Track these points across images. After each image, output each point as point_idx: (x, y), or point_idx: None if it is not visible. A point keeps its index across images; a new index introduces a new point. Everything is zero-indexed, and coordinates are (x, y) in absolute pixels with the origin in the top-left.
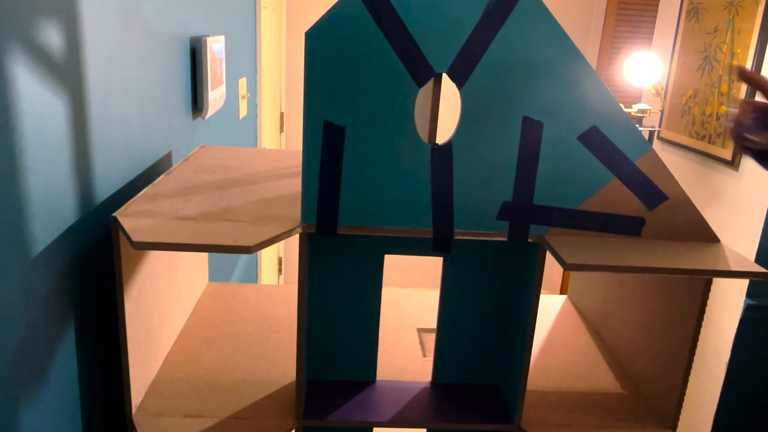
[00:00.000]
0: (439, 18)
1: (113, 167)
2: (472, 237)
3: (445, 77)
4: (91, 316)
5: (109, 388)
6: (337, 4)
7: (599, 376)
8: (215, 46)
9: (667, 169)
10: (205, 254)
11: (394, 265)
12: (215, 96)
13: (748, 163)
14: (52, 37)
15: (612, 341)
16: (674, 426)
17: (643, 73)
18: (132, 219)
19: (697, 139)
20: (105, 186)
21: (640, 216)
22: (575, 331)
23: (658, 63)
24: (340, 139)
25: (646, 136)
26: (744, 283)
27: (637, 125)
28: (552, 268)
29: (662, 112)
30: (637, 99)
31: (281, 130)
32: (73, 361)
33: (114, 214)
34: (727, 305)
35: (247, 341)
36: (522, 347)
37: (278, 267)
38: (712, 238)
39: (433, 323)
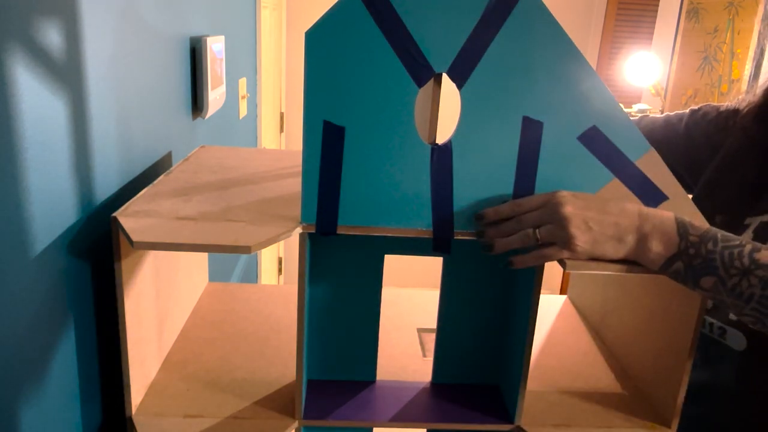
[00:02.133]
0: (439, 18)
1: (113, 167)
2: (472, 237)
3: (445, 77)
4: (91, 316)
5: (109, 388)
6: (337, 4)
7: (599, 376)
8: (215, 46)
9: (668, 169)
10: (205, 254)
11: (394, 265)
12: (215, 96)
13: None
14: (52, 37)
15: (612, 341)
16: (674, 426)
17: (643, 73)
18: (132, 219)
19: None
20: (105, 186)
21: None
22: (575, 331)
23: (658, 63)
24: (340, 139)
25: None
26: None
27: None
28: (552, 268)
29: (662, 112)
30: (637, 99)
31: (281, 130)
32: (72, 361)
33: (114, 214)
34: None
35: (247, 341)
36: (522, 347)
37: (278, 267)
38: None
39: (433, 323)
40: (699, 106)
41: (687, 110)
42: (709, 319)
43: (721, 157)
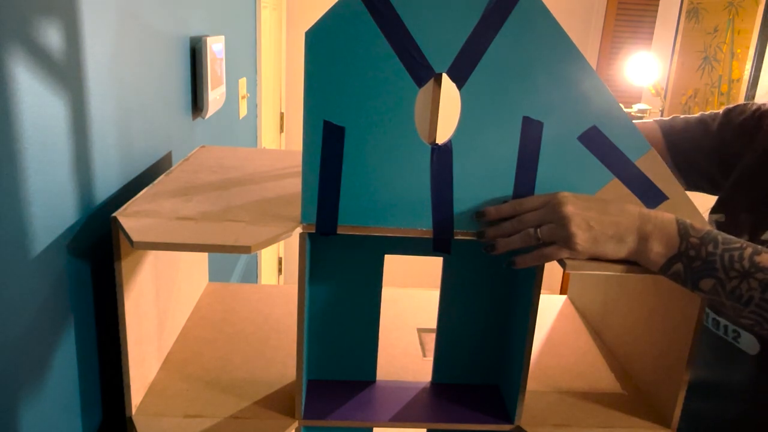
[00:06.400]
0: (439, 18)
1: (113, 167)
2: (473, 237)
3: (445, 77)
4: (91, 316)
5: (109, 388)
6: (337, 4)
7: (599, 376)
8: (215, 46)
9: (668, 169)
10: (205, 254)
11: (394, 265)
12: (215, 96)
13: None
14: (52, 37)
15: (612, 341)
16: (674, 426)
17: (643, 73)
18: (132, 219)
19: None
20: (105, 186)
21: None
22: (575, 331)
23: (658, 63)
24: (340, 139)
25: None
26: None
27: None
28: (552, 268)
29: (662, 112)
30: (637, 99)
31: (281, 130)
32: (72, 361)
33: (114, 214)
34: None
35: (247, 341)
36: (522, 347)
37: (278, 267)
38: None
39: (433, 323)
40: (735, 105)
41: (722, 110)
42: (723, 321)
43: (750, 158)
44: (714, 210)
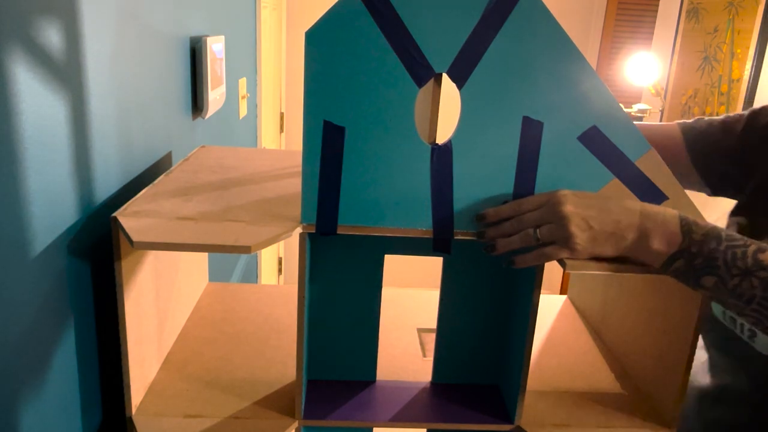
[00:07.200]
0: (439, 18)
1: (113, 167)
2: (473, 237)
3: (445, 77)
4: (91, 316)
5: (109, 388)
6: (337, 4)
7: (599, 376)
8: (215, 46)
9: (668, 169)
10: (205, 254)
11: (394, 265)
12: (215, 96)
13: None
14: (52, 36)
15: (612, 341)
16: (674, 426)
17: (643, 73)
18: (132, 219)
19: None
20: (105, 186)
21: None
22: (575, 331)
23: (658, 63)
24: (340, 139)
25: None
26: None
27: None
28: (552, 268)
29: (662, 112)
30: (637, 99)
31: (281, 130)
32: (72, 361)
33: (114, 214)
34: None
35: (247, 341)
36: (522, 347)
37: (278, 267)
38: None
39: (433, 323)
40: (760, 107)
41: (747, 112)
42: (740, 320)
43: None
44: (734, 213)
